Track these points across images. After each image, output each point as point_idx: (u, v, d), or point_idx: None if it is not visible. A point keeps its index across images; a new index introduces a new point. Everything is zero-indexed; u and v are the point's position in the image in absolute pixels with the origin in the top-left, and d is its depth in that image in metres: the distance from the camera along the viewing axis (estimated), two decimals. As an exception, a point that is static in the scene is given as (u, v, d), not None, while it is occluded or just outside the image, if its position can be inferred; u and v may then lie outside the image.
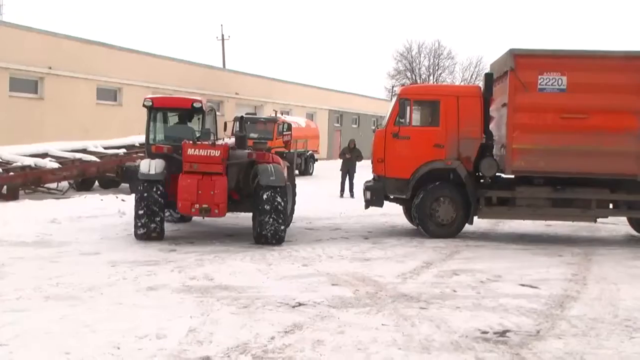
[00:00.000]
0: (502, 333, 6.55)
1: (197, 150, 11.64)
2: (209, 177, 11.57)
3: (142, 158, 20.47)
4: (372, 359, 5.73)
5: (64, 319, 6.62)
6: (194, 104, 12.82)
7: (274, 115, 33.44)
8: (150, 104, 13.05)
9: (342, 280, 8.85)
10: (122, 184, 20.88)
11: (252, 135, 30.96)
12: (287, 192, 12.14)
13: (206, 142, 11.99)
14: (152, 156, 12.40)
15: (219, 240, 12.20)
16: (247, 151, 12.45)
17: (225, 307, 7.27)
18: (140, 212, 11.73)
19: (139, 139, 23.50)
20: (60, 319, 6.62)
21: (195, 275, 8.94)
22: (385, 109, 17.65)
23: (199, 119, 13.36)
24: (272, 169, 11.73)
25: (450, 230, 13.18)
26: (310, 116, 44.76)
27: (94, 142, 21.36)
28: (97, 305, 7.18)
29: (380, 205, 13.99)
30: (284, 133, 29.86)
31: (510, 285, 8.83)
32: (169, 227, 13.54)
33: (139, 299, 7.58)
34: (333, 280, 8.88)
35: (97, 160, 19.81)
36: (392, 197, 13.77)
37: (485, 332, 6.55)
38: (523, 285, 8.91)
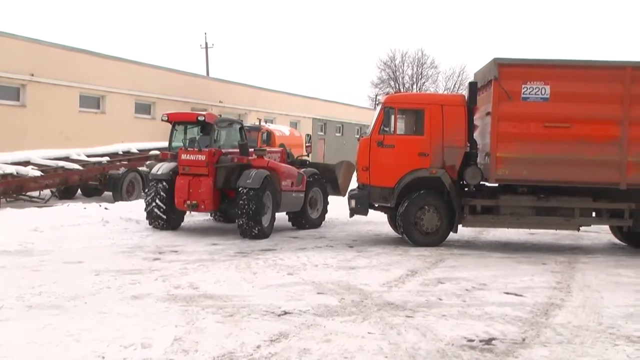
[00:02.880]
0: (488, 341, 6.57)
1: (188, 155, 13.92)
2: (198, 178, 13.81)
3: (125, 167, 20.55)
4: (358, 368, 5.72)
5: (47, 328, 6.55)
6: (198, 118, 14.47)
7: (257, 123, 33.40)
8: (166, 118, 15.08)
9: (328, 289, 8.84)
10: (105, 192, 20.73)
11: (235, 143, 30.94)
12: (266, 193, 13.86)
13: (196, 149, 13.91)
14: (162, 161, 15.17)
15: (203, 249, 12.14)
16: (231, 156, 14.22)
17: (211, 315, 7.23)
18: (149, 205, 14.29)
19: (122, 147, 23.43)
20: (43, 328, 6.54)
21: (180, 284, 8.88)
22: (369, 118, 17.69)
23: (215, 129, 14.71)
24: (252, 174, 13.70)
25: (434, 238, 13.22)
26: (294, 124, 44.73)
27: (76, 150, 21.17)
28: (80, 315, 7.11)
29: (365, 213, 14.02)
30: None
31: (495, 294, 8.86)
32: (152, 236, 13.50)
33: (124, 308, 7.51)
34: (318, 288, 8.86)
35: (80, 168, 19.64)
36: (376, 205, 13.80)
37: (471, 340, 6.56)
38: (508, 293, 8.94)
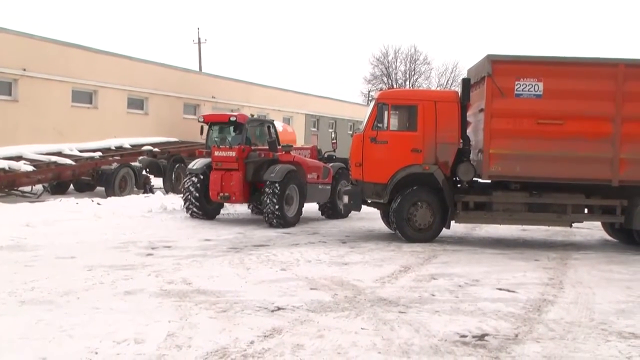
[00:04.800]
0: (481, 337, 6.58)
1: (220, 152, 15.53)
2: (229, 172, 15.36)
3: (117, 162, 20.51)
4: (352, 363, 5.72)
5: (40, 323, 6.52)
6: (231, 118, 16.01)
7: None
8: (202, 119, 16.82)
9: (321, 285, 8.84)
10: (98, 188, 20.68)
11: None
12: (291, 186, 15.27)
13: (227, 146, 15.62)
14: (198, 157, 16.65)
15: (196, 244, 12.13)
16: (259, 152, 15.83)
17: (204, 311, 7.22)
18: (185, 197, 15.83)
19: (115, 142, 23.39)
20: (36, 323, 6.52)
21: (173, 279, 8.87)
22: (362, 114, 17.73)
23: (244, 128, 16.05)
24: (277, 168, 15.10)
25: (427, 234, 13.25)
26: (287, 120, 44.66)
27: (69, 145, 21.16)
28: (73, 310, 7.09)
29: (358, 209, 14.05)
30: None
31: (488, 290, 8.88)
32: (144, 232, 13.48)
33: (116, 303, 7.49)
34: (312, 284, 8.86)
35: (73, 163, 19.62)
36: (370, 201, 13.81)
37: (464, 336, 6.57)
38: (501, 289, 8.96)
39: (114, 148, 22.81)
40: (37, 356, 5.57)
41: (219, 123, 16.69)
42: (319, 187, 16.73)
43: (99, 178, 20.07)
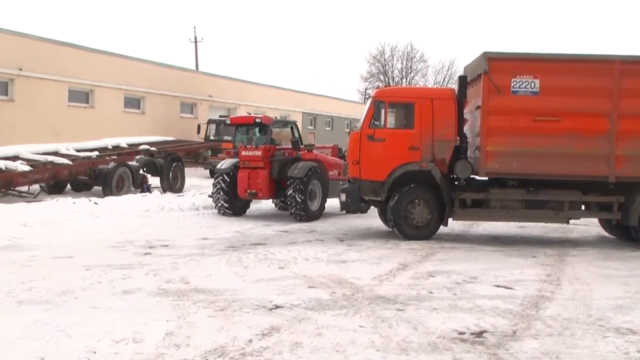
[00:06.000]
0: (479, 334, 6.59)
1: (247, 151, 16.55)
2: (256, 171, 16.32)
3: (114, 161, 20.48)
4: (350, 361, 5.73)
5: (38, 323, 6.52)
6: (256, 120, 17.12)
7: (247, 117, 33.29)
8: (229, 122, 18.11)
9: (319, 283, 8.84)
10: (95, 187, 20.64)
11: (226, 138, 30.92)
12: (314, 181, 16.27)
13: (253, 146, 16.68)
14: (227, 157, 17.96)
15: (193, 243, 12.13)
16: (283, 151, 16.96)
17: (202, 310, 7.22)
18: (214, 195, 16.77)
19: (112, 141, 23.35)
20: (34, 323, 6.51)
21: (170, 278, 8.86)
22: (359, 112, 17.82)
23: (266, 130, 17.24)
24: (300, 165, 16.16)
25: (425, 232, 13.25)
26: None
27: (65, 145, 21.10)
28: (71, 310, 7.08)
29: (356, 207, 14.07)
30: None
31: (485, 287, 8.89)
32: (142, 231, 13.47)
33: (114, 302, 7.48)
34: (309, 282, 8.87)
35: (69, 163, 19.57)
36: (367, 199, 13.81)
37: (462, 333, 6.58)
38: (498, 286, 8.97)
39: (110, 147, 22.76)
40: (36, 356, 5.57)
41: (245, 125, 17.77)
42: (340, 183, 16.87)
43: (96, 177, 20.03)
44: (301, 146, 17.33)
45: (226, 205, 16.61)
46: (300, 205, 15.83)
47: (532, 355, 5.94)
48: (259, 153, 16.41)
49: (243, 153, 16.59)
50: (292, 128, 18.05)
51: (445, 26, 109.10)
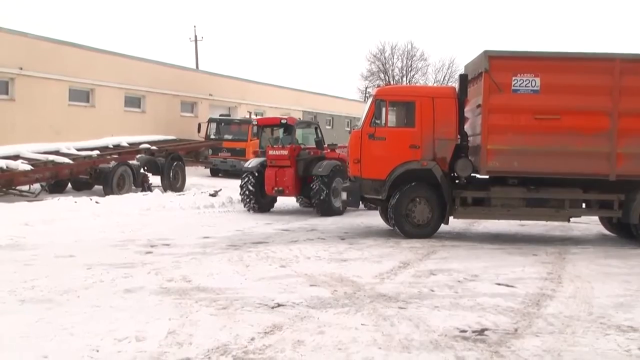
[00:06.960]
0: (481, 332, 6.60)
1: (274, 151, 17.47)
2: (282, 169, 17.16)
3: (115, 160, 20.49)
4: (352, 359, 5.74)
5: (40, 322, 6.53)
6: (282, 121, 18.49)
7: (248, 116, 33.34)
8: (256, 123, 19.48)
9: (320, 281, 8.86)
10: (96, 186, 20.65)
11: (227, 136, 30.95)
12: (337, 179, 16.85)
13: (280, 146, 17.66)
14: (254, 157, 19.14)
15: (195, 242, 12.14)
16: (308, 151, 17.92)
17: (204, 308, 7.23)
18: (242, 193, 17.53)
19: (113, 140, 23.36)
20: (36, 322, 6.52)
21: (172, 277, 8.87)
22: (359, 110, 17.88)
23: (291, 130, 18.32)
24: (324, 164, 17.06)
25: (426, 230, 13.26)
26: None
27: (66, 144, 21.10)
28: (74, 308, 7.09)
29: (357, 205, 14.07)
30: None
31: (487, 285, 8.90)
32: (143, 230, 13.48)
33: (117, 301, 7.50)
34: (311, 281, 8.88)
35: (70, 162, 19.57)
36: (368, 197, 13.82)
37: (464, 331, 6.59)
38: (499, 284, 8.98)
39: (111, 146, 22.75)
40: (39, 354, 5.59)
41: (270, 125, 19.33)
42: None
43: (97, 177, 20.03)
44: (324, 145, 18.28)
45: (254, 202, 17.35)
46: (324, 202, 16.63)
47: (533, 353, 5.96)
48: (285, 152, 17.28)
49: (270, 152, 17.43)
50: (315, 129, 19.03)
51: (445, 24, 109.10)
